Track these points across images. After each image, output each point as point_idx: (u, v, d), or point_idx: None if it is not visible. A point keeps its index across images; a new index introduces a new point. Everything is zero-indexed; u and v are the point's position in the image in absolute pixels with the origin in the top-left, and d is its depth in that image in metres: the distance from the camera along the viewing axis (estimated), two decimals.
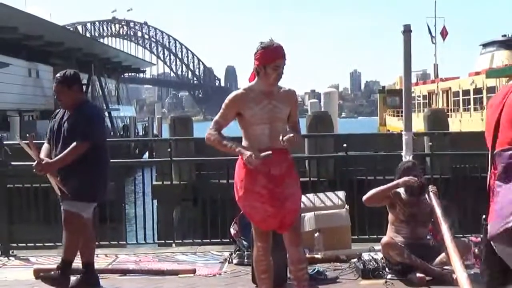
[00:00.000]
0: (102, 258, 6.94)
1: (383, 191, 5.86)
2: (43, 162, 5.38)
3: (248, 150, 4.36)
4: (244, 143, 4.55)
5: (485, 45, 43.62)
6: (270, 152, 4.33)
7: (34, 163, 5.39)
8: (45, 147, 5.66)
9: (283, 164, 4.54)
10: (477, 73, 36.68)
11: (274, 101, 4.54)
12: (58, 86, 5.52)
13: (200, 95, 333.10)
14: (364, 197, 5.94)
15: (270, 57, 4.48)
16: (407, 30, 7.19)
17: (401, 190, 5.91)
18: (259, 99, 4.51)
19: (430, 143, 8.78)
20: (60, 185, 5.45)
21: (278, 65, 4.49)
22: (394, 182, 5.88)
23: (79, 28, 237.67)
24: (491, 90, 33.58)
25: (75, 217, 5.46)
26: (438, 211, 5.37)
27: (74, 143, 5.34)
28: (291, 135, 4.41)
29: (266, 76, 4.51)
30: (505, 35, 42.29)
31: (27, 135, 5.71)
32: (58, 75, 5.59)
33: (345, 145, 8.32)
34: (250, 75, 4.66)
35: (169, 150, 8.46)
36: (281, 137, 4.36)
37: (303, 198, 6.12)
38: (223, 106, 4.60)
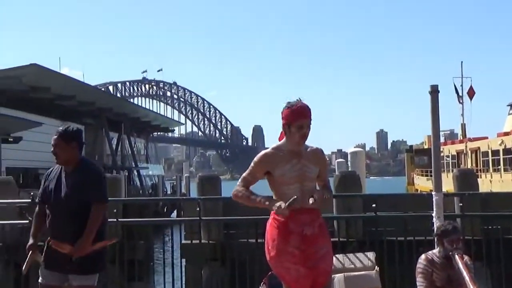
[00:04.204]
0: None
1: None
2: (75, 247, 4.91)
3: (277, 202, 4.36)
4: None
5: None
6: (295, 197, 4.31)
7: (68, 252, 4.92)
8: (38, 214, 5.23)
9: (315, 224, 4.53)
10: (506, 134, 36.41)
11: (303, 160, 4.56)
12: (57, 139, 5.16)
13: (227, 154, 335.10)
14: None
15: (294, 117, 4.51)
16: (434, 91, 7.22)
17: (435, 256, 5.72)
18: (288, 158, 4.53)
19: (461, 204, 8.63)
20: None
21: (301, 124, 4.50)
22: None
23: (110, 88, 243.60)
24: None
25: None
26: (466, 274, 5.25)
27: (95, 207, 4.97)
28: (321, 193, 4.43)
29: (291, 135, 4.54)
30: None
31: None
32: (60, 128, 5.27)
33: (374, 205, 8.28)
34: (279, 134, 4.70)
35: (198, 209, 8.50)
36: (311, 200, 4.35)
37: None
38: (252, 164, 4.62)
